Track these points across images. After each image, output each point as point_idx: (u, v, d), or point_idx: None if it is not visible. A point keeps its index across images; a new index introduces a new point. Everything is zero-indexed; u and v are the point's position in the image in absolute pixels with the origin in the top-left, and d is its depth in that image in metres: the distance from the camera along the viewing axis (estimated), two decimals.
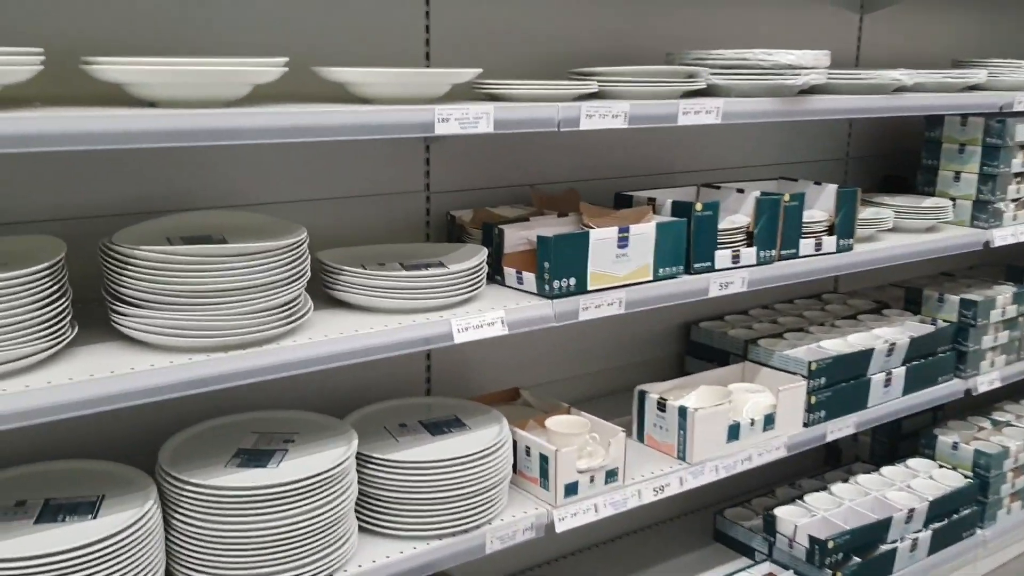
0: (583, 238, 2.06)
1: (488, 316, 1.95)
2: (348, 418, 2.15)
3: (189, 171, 2.02)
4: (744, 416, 2.52)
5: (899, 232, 2.90)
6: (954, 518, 2.94)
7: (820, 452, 3.53)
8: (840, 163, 3.31)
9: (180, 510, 1.75)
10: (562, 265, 2.04)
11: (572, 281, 2.07)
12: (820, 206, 2.63)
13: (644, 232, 2.16)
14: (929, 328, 2.96)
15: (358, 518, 2.00)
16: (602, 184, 2.66)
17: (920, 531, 2.84)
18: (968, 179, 3.00)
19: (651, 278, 2.20)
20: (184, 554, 1.76)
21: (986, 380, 3.09)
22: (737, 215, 2.46)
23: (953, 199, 3.04)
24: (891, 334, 2.90)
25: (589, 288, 2.10)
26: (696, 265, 2.29)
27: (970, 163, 2.99)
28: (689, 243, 2.27)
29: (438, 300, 1.95)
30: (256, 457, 1.86)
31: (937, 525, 2.88)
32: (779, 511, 2.79)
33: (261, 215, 1.91)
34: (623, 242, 2.13)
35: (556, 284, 2.05)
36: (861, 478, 3.01)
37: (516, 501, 2.17)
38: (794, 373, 2.62)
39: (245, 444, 1.92)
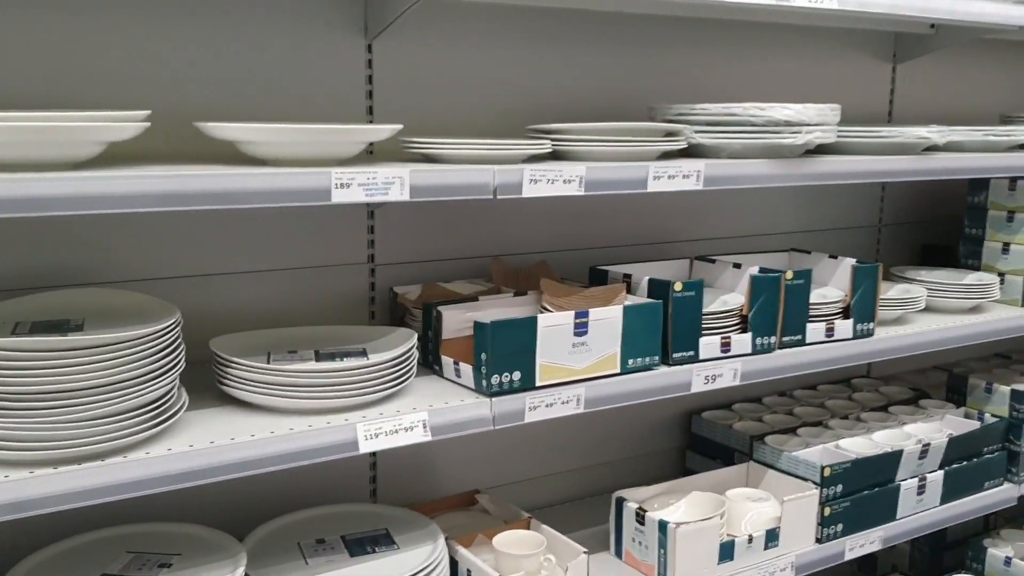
0: (528, 324, 1.73)
1: (406, 419, 1.63)
2: (256, 532, 1.84)
3: (71, 241, 1.76)
4: (742, 531, 2.14)
5: (936, 313, 2.50)
6: None
7: (852, 562, 3.10)
8: (871, 231, 2.93)
9: None
10: (503, 356, 1.71)
11: (516, 375, 1.74)
12: (836, 283, 2.27)
13: (607, 317, 1.82)
14: (973, 424, 2.54)
15: None
16: (582, 256, 2.34)
17: None
18: (1018, 252, 2.60)
19: (618, 371, 1.86)
20: None
21: None
22: (732, 295, 2.11)
23: (1001, 274, 2.64)
24: (926, 431, 2.49)
25: (539, 383, 1.76)
26: (676, 355, 1.94)
27: (1021, 233, 2.59)
28: (667, 329, 1.92)
29: (350, 398, 1.64)
30: None
31: None
32: None
33: (140, 295, 1.63)
34: (581, 329, 1.79)
35: (496, 379, 1.72)
36: None
37: None
38: (805, 479, 2.24)
39: (112, 568, 1.61)
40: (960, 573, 2.73)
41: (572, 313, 1.78)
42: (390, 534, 1.86)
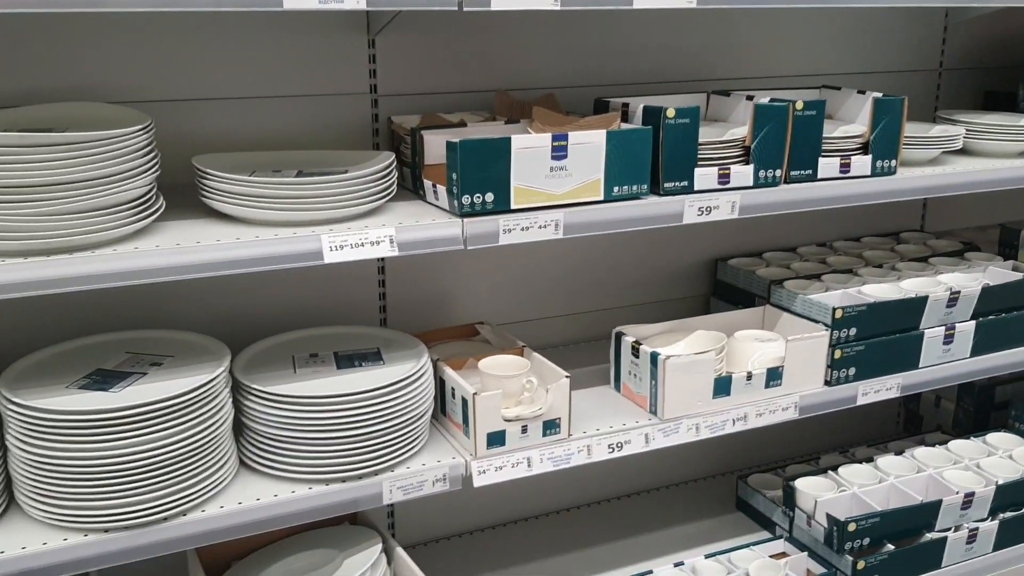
0: (500, 145, 1.73)
1: (373, 234, 1.67)
2: (256, 345, 1.95)
3: (84, 58, 1.85)
4: (750, 367, 2.12)
5: (981, 156, 2.36)
6: None
7: (896, 417, 3.04)
8: (931, 76, 2.75)
9: (13, 433, 1.60)
10: (475, 177, 1.72)
11: (489, 197, 1.75)
12: (862, 120, 2.16)
13: (588, 142, 1.80)
14: (1013, 275, 2.42)
15: (244, 454, 1.81)
16: (604, 92, 2.29)
17: (983, 520, 2.35)
18: None
19: (601, 198, 1.85)
20: (22, 480, 1.62)
21: None
22: (741, 128, 2.04)
23: None
24: (962, 281, 2.38)
25: (513, 206, 1.77)
26: (667, 184, 1.90)
27: None
28: (658, 157, 1.89)
29: (324, 211, 1.69)
30: (106, 380, 1.68)
31: (1009, 515, 2.37)
32: (800, 483, 2.37)
33: (122, 107, 1.71)
34: (559, 153, 1.78)
35: (467, 199, 1.73)
36: (920, 452, 2.52)
37: (437, 447, 1.91)
38: (817, 322, 2.19)
39: (107, 365, 1.74)
40: (1001, 430, 2.64)
41: (549, 136, 1.77)
42: (380, 352, 1.93)
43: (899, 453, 2.53)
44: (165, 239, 1.59)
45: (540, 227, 1.79)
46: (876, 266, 2.49)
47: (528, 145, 1.75)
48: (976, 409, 2.81)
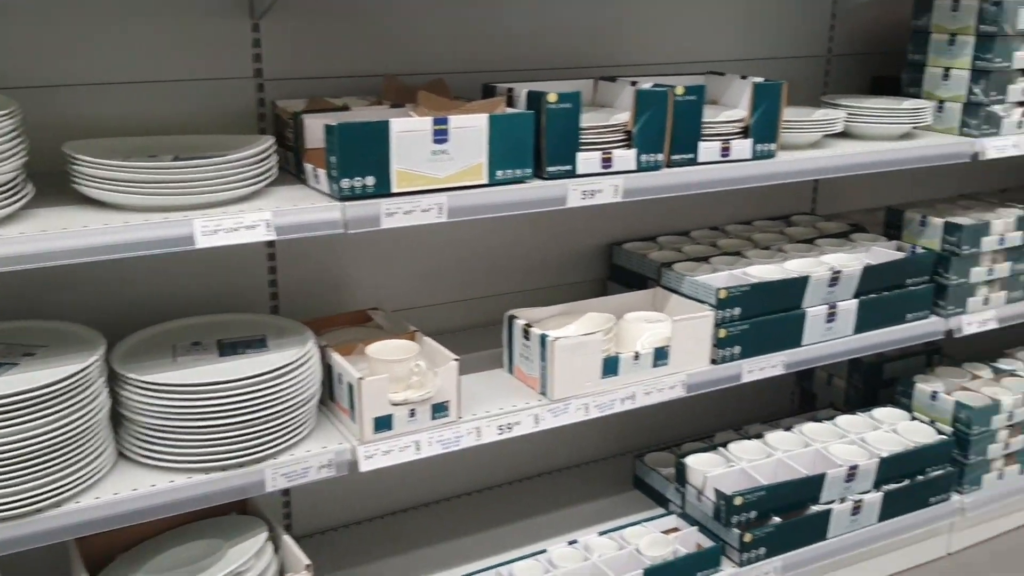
0: (380, 128, 1.73)
1: (248, 218, 1.66)
2: (138, 334, 1.92)
3: None
4: (637, 348, 2.16)
5: (863, 140, 2.43)
6: (918, 480, 2.51)
7: (791, 396, 3.12)
8: (819, 61, 2.82)
9: None
10: (354, 160, 1.72)
11: (370, 180, 1.74)
12: (744, 104, 2.20)
13: (470, 126, 1.81)
14: (895, 255, 2.50)
15: (123, 445, 1.78)
16: (495, 77, 2.30)
17: (868, 492, 2.43)
18: (958, 77, 2.49)
19: (485, 182, 1.86)
20: None
21: (975, 320, 2.62)
22: (625, 113, 2.07)
23: (941, 102, 2.54)
24: (845, 261, 2.46)
25: (395, 190, 1.77)
26: (550, 169, 1.92)
27: (961, 57, 2.48)
28: (540, 142, 1.91)
29: (199, 195, 1.67)
30: None
31: (893, 487, 2.46)
32: (691, 459, 2.43)
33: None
34: (441, 136, 1.79)
35: (347, 183, 1.73)
36: (808, 427, 2.60)
37: (324, 434, 1.90)
38: (703, 302, 2.24)
39: None
40: (889, 406, 2.73)
41: (430, 119, 1.77)
42: (265, 340, 1.92)
43: (788, 429, 2.60)
44: (31, 226, 1.56)
45: (423, 211, 1.80)
46: (764, 248, 2.55)
47: (408, 128, 1.75)
48: (865, 386, 2.90)
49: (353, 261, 2.29)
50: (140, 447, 1.75)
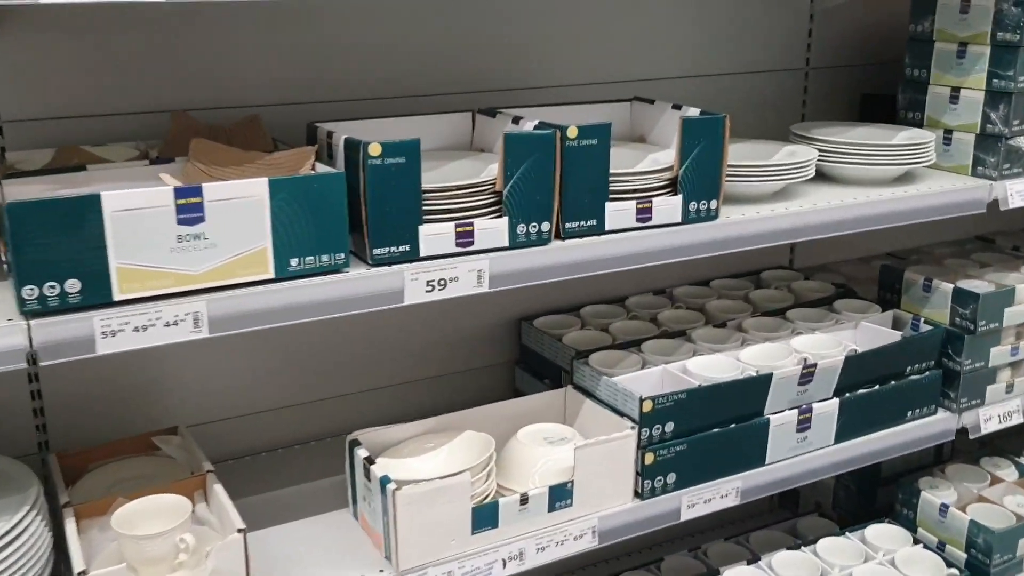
0: (83, 205, 1.14)
1: None
2: None
3: None
4: (533, 483, 1.58)
5: (846, 185, 1.83)
6: None
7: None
8: (796, 76, 2.22)
9: None
10: (42, 257, 1.13)
11: (74, 285, 1.16)
12: (675, 147, 1.61)
13: (239, 196, 1.22)
14: (893, 336, 1.89)
15: None
16: (332, 112, 1.70)
17: None
18: (970, 100, 1.88)
19: (271, 276, 1.27)
20: None
21: (996, 413, 2.01)
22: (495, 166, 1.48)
23: (948, 131, 1.93)
24: (823, 345, 1.85)
25: (118, 297, 1.18)
26: (378, 251, 1.33)
27: (973, 73, 1.87)
28: (362, 212, 1.32)
29: None
30: None
31: None
32: None
33: None
34: (191, 213, 1.19)
35: (32, 292, 1.14)
36: (780, 559, 1.99)
37: None
38: (623, 415, 1.64)
39: None
40: (885, 521, 2.12)
41: (171, 190, 1.18)
42: None
43: (754, 562, 1.99)
44: None
45: (168, 324, 1.21)
46: (719, 325, 1.95)
47: (134, 205, 1.16)
48: (859, 487, 2.30)
49: (158, 360, 1.70)
50: None
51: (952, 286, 1.94)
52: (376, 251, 1.33)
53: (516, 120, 1.52)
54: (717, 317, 2.00)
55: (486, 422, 1.68)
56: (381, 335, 1.89)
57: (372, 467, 1.49)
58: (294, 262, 1.27)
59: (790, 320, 1.97)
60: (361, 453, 1.53)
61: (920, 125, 1.98)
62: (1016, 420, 2.04)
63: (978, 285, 1.97)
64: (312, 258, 1.28)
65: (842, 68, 2.25)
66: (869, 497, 2.30)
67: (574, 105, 1.74)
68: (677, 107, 1.64)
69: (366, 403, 1.90)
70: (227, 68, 1.62)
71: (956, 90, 1.90)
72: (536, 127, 1.45)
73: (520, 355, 2.02)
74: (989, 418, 2.00)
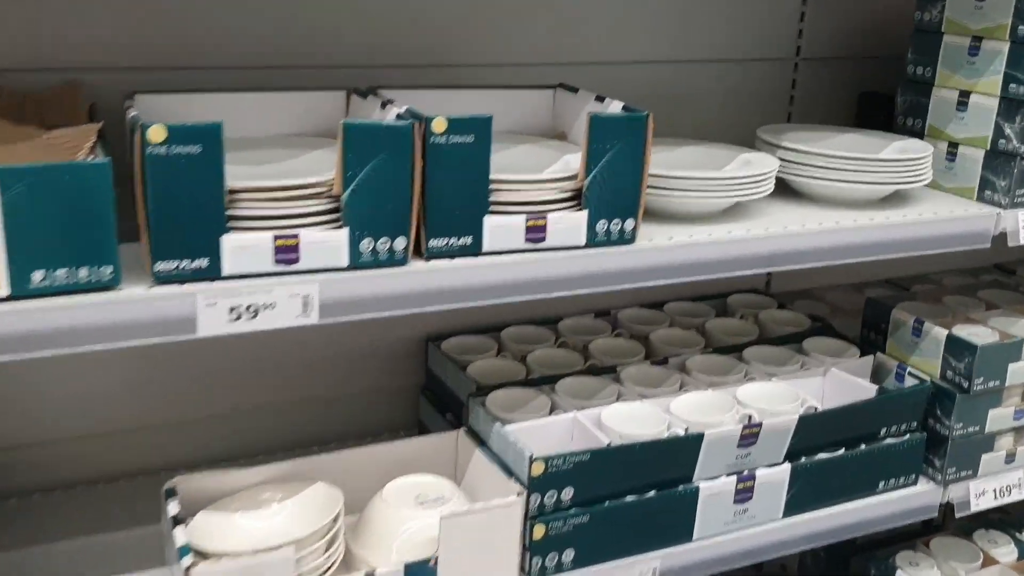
0: None
1: None
2: None
3: None
4: (390, 555, 1.28)
5: (817, 203, 1.49)
6: None
7: None
8: (784, 67, 1.87)
9: None
10: None
11: None
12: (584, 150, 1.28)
13: None
14: (864, 388, 1.56)
15: None
16: (187, 79, 1.40)
17: None
18: (981, 107, 1.53)
19: (4, 293, 0.97)
20: None
21: (991, 487, 1.67)
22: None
23: (954, 144, 1.58)
24: (777, 397, 1.52)
25: None
26: (162, 267, 1.03)
27: (986, 75, 1.52)
28: (145, 213, 1.02)
29: None
30: None
31: None
32: None
33: None
34: None
35: None
36: None
37: None
38: (511, 474, 1.33)
39: None
40: None
41: None
42: None
43: None
44: None
45: None
46: (659, 361, 1.62)
47: None
48: (829, 553, 1.97)
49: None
50: None
51: (946, 332, 1.60)
52: (159, 265, 1.03)
53: (385, 105, 1.21)
54: (660, 351, 1.67)
55: (352, 469, 1.39)
56: (260, 342, 1.60)
57: (175, 531, 1.20)
58: (38, 276, 0.97)
59: (745, 361, 1.64)
60: (171, 509, 1.24)
61: (921, 134, 1.63)
62: (1016, 496, 1.70)
63: (978, 333, 1.62)
64: (65, 271, 0.98)
65: (839, 60, 1.90)
66: (840, 565, 1.97)
67: (485, 90, 1.43)
68: (600, 99, 1.32)
69: (237, 425, 1.61)
70: (48, 26, 1.32)
71: (965, 94, 1.55)
72: (399, 116, 1.14)
73: (426, 380, 1.72)
74: (982, 492, 1.66)
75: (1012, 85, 1.47)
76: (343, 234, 1.10)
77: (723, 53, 1.80)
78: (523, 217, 1.18)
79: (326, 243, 1.09)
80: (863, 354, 1.69)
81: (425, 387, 1.71)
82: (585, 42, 1.67)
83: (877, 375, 1.67)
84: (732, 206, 1.40)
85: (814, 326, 1.80)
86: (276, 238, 1.07)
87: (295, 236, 1.08)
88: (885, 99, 1.80)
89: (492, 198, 1.16)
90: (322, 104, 1.34)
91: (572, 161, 1.27)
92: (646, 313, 1.83)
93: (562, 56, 1.65)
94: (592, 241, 1.22)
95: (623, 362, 1.61)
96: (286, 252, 1.08)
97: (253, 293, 1.06)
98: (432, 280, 1.14)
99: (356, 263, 1.11)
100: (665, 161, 1.40)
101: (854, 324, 1.84)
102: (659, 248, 1.26)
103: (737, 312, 1.86)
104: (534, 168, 1.27)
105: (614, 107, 1.26)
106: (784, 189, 1.51)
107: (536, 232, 1.19)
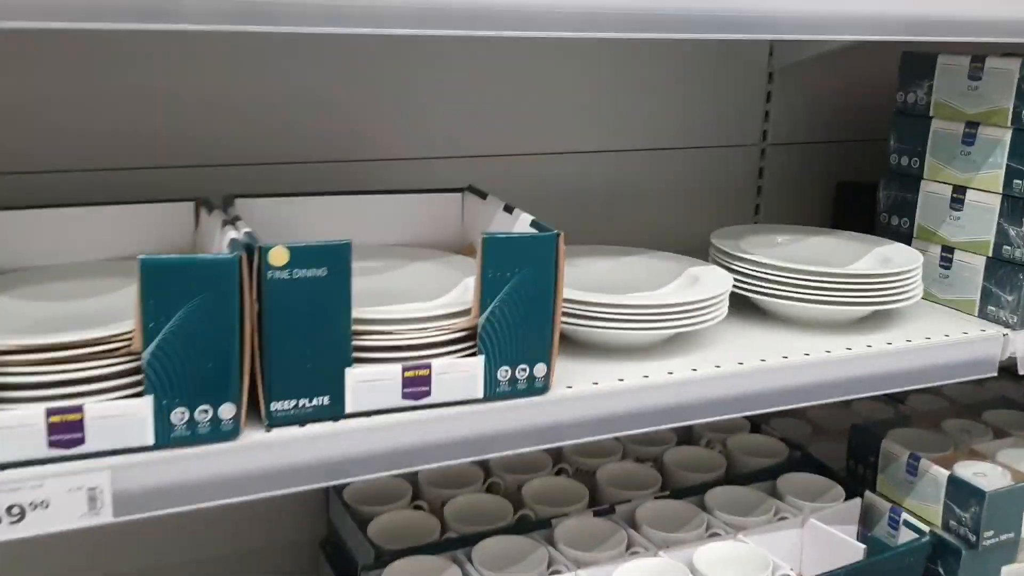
0: None
1: None
2: None
3: None
4: None
5: (783, 326, 1.23)
6: None
7: None
8: (748, 154, 1.63)
9: None
10: None
11: None
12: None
13: None
14: (852, 548, 1.28)
15: None
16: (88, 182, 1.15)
17: None
18: (981, 205, 1.28)
19: None
20: None
21: None
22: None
23: (948, 249, 1.33)
24: (745, 562, 1.24)
25: None
26: None
27: (984, 168, 1.27)
28: None
29: None
30: None
31: None
32: None
33: None
34: None
35: None
36: None
37: None
38: None
39: None
40: None
41: None
42: None
43: None
44: None
45: None
46: (603, 511, 1.33)
47: None
48: None
49: None
50: None
51: (947, 474, 1.33)
52: None
53: (228, 224, 0.95)
54: (607, 495, 1.39)
55: None
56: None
57: None
58: None
59: (708, 510, 1.36)
60: None
61: (908, 237, 1.38)
62: None
63: (985, 472, 1.35)
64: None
65: (812, 145, 1.66)
66: None
67: (382, 195, 1.17)
68: (509, 209, 1.06)
69: None
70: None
71: (960, 190, 1.29)
72: (233, 242, 0.88)
73: (327, 534, 1.43)
74: None
75: (1017, 181, 1.22)
76: (146, 403, 0.83)
77: (677, 140, 1.56)
78: (398, 367, 0.92)
79: (123, 417, 0.82)
80: (849, 492, 1.41)
81: (326, 541, 1.43)
82: (522, 131, 1.42)
83: (866, 519, 1.39)
84: (671, 335, 1.14)
85: (791, 456, 1.52)
86: (49, 413, 0.80)
87: (78, 410, 0.81)
88: (866, 189, 1.55)
89: (357, 342, 0.90)
90: (166, 218, 1.08)
91: (446, 299, 1.01)
92: (596, 444, 1.55)
93: (483, 148, 1.41)
94: (492, 394, 0.95)
95: (560, 512, 1.33)
96: (64, 432, 0.80)
97: (18, 490, 0.79)
98: (271, 456, 0.87)
99: (164, 441, 0.84)
100: (595, 280, 1.14)
101: (840, 448, 1.57)
102: (581, 397, 0.99)
103: (702, 438, 1.58)
104: (429, 295, 1.01)
105: (522, 222, 1.01)
106: (743, 304, 1.25)
107: (417, 385, 0.92)
